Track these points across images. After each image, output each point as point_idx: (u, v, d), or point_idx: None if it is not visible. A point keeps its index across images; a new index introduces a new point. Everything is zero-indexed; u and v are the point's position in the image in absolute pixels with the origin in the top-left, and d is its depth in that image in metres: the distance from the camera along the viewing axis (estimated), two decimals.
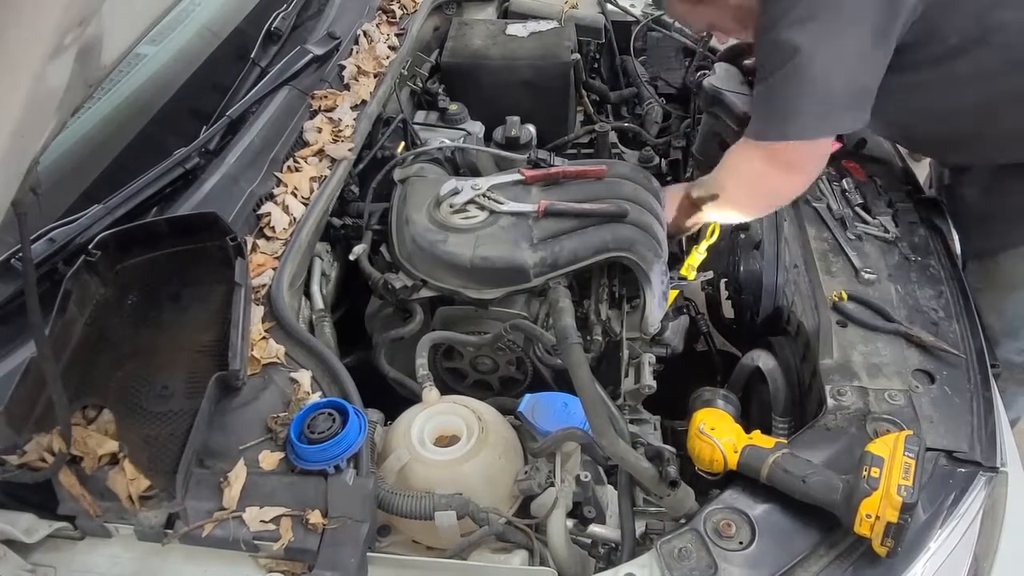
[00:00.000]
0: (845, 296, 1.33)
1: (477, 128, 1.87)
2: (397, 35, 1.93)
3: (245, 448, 1.07)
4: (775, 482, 1.04)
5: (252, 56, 1.71)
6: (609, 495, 1.24)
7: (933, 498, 1.05)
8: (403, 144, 1.73)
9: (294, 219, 1.40)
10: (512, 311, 1.45)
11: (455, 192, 1.46)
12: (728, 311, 2.00)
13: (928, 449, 1.07)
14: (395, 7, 2.01)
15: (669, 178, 2.05)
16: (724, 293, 1.98)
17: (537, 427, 1.19)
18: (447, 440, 1.16)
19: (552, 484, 1.13)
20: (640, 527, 1.13)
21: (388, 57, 1.82)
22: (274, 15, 1.79)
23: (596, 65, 2.33)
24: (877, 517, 0.94)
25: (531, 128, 1.89)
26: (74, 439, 1.00)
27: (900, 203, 1.57)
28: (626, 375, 1.53)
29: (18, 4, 0.62)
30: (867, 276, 1.38)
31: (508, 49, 1.97)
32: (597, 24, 2.22)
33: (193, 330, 1.19)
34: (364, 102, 1.67)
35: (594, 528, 1.12)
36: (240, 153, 1.45)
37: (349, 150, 1.55)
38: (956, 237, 1.59)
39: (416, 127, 1.80)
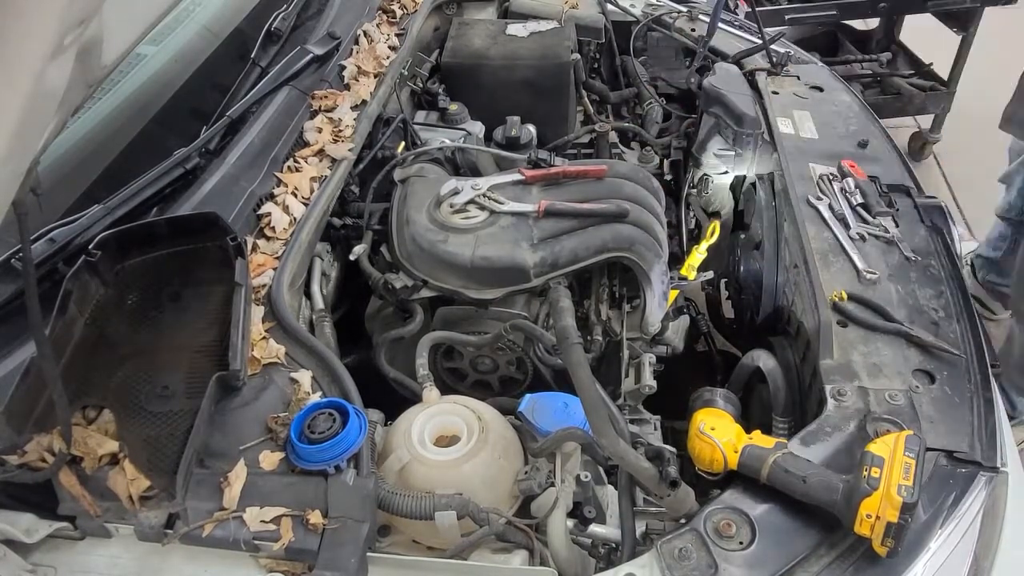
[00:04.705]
0: (845, 296, 1.33)
1: (477, 128, 1.87)
2: (397, 35, 1.93)
3: (245, 448, 1.07)
4: (775, 482, 1.04)
5: (252, 56, 1.71)
6: (609, 495, 1.24)
7: (933, 498, 1.05)
8: (403, 144, 1.73)
9: (294, 219, 1.40)
10: (512, 311, 1.45)
11: (455, 192, 1.46)
12: (728, 311, 2.00)
13: (928, 449, 1.07)
14: (395, 7, 2.02)
15: (669, 178, 2.05)
16: (724, 293, 1.99)
17: (537, 427, 1.19)
18: (447, 440, 1.16)
19: (552, 484, 1.13)
20: (640, 527, 1.13)
21: (388, 57, 1.82)
22: (274, 15, 1.79)
23: (596, 65, 2.33)
24: (877, 517, 0.94)
25: (531, 128, 1.89)
26: (74, 439, 1.00)
27: (901, 203, 1.57)
28: (626, 375, 1.53)
29: (18, 4, 0.62)
30: (868, 276, 1.37)
31: (508, 49, 1.97)
32: (597, 24, 2.22)
33: (193, 330, 1.19)
34: (364, 102, 1.67)
35: (594, 528, 1.12)
36: (240, 153, 1.46)
37: (349, 150, 1.55)
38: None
39: (416, 127, 1.81)
